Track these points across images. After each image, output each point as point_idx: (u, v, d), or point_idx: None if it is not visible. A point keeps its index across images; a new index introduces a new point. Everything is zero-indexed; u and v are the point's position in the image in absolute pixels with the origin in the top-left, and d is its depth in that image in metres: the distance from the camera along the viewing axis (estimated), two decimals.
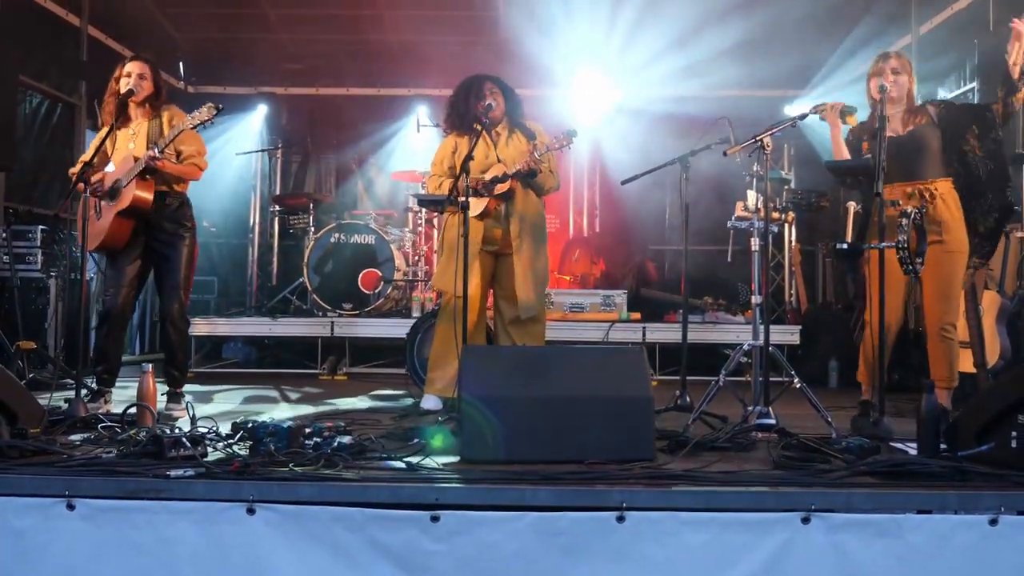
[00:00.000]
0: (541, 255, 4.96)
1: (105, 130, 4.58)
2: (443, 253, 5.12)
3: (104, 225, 4.59)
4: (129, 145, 4.67)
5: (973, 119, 4.35)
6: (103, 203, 4.64)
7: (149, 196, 4.58)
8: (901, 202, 4.13)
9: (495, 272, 5.00)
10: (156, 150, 4.47)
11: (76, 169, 4.69)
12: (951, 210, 4.32)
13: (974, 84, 6.13)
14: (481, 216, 4.81)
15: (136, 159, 4.53)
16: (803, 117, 4.43)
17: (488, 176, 4.81)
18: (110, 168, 4.68)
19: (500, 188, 4.80)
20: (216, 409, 4.81)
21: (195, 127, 4.47)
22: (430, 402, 4.91)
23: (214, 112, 4.41)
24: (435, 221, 7.76)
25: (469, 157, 4.39)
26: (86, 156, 4.72)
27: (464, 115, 4.94)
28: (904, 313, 4.56)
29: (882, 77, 4.35)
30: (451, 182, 4.74)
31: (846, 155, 4.41)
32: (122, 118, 4.65)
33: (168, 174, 4.62)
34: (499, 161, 4.87)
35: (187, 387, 4.98)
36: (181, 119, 4.62)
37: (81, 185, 4.39)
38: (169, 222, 4.70)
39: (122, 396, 4.77)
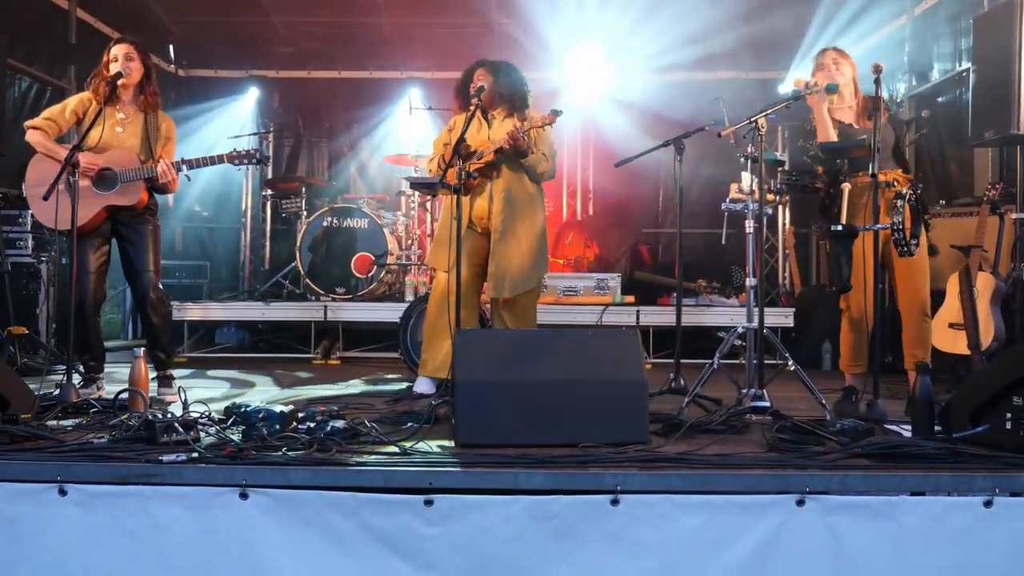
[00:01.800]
0: (529, 238, 4.88)
1: (96, 111, 4.49)
2: (437, 233, 5.11)
3: (84, 212, 4.45)
4: (117, 129, 4.58)
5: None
6: (82, 185, 4.50)
7: (148, 197, 4.66)
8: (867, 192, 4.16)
9: (487, 254, 4.97)
10: (187, 170, 4.57)
11: (38, 123, 4.56)
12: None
13: (968, 64, 6.10)
14: (465, 191, 4.79)
15: (141, 158, 4.55)
16: (797, 98, 4.41)
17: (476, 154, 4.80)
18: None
19: (477, 164, 4.76)
20: (209, 394, 4.79)
21: (236, 165, 4.81)
22: (423, 385, 4.89)
23: (254, 161, 4.81)
24: (428, 204, 7.73)
25: (461, 139, 4.37)
26: (56, 116, 4.58)
27: (466, 98, 4.95)
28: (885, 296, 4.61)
29: (823, 71, 4.44)
30: (440, 159, 4.75)
31: (832, 134, 4.40)
32: (111, 101, 4.55)
33: (168, 186, 4.63)
34: (491, 142, 4.85)
35: (180, 372, 4.97)
36: (174, 132, 4.77)
37: (70, 167, 4.30)
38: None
39: (114, 381, 4.76)
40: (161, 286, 4.75)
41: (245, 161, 4.74)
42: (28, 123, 4.61)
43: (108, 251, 4.69)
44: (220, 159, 4.68)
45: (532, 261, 4.89)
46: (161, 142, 4.66)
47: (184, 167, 4.57)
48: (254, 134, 9.02)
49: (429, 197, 7.44)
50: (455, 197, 4.40)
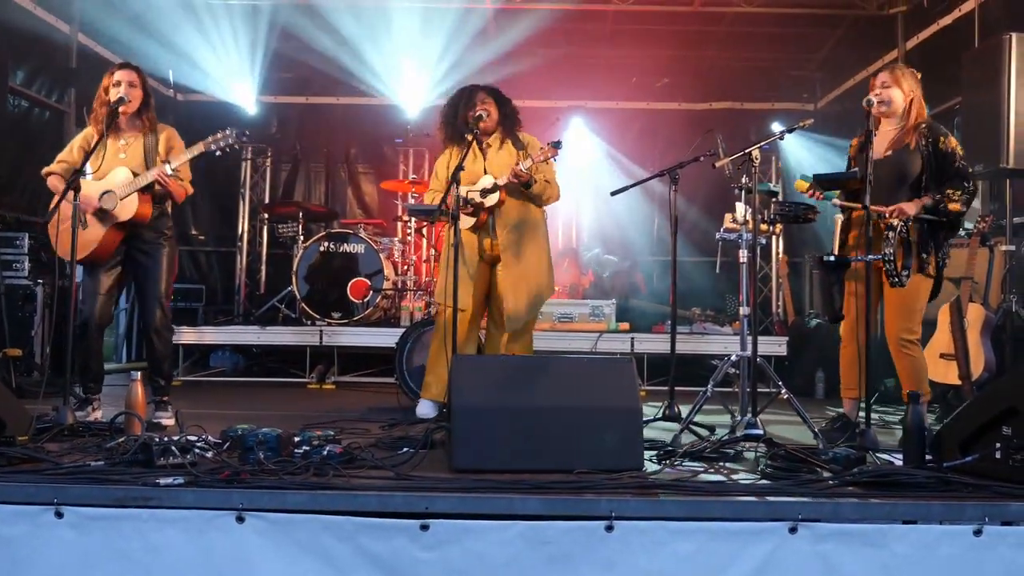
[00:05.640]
0: (534, 265, 4.91)
1: (96, 139, 4.52)
2: (441, 264, 5.10)
3: (94, 236, 4.50)
4: (120, 155, 4.61)
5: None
6: (88, 214, 4.56)
7: (149, 210, 4.58)
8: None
9: (490, 283, 4.99)
10: (169, 168, 4.48)
11: (53, 168, 4.61)
12: (914, 232, 4.23)
13: (958, 99, 6.19)
14: (475, 228, 4.83)
15: (136, 174, 4.50)
16: (791, 131, 4.47)
17: (477, 187, 4.82)
18: (89, 178, 4.57)
19: (490, 200, 4.80)
20: (205, 418, 4.79)
21: (216, 151, 4.54)
22: (425, 407, 4.90)
23: (235, 140, 4.53)
24: (424, 231, 7.77)
25: (459, 168, 4.40)
26: (66, 156, 4.63)
27: (455, 126, 4.95)
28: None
29: (871, 92, 4.36)
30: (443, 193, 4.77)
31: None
32: (112, 128, 4.56)
33: (170, 192, 4.58)
34: (486, 172, 4.88)
35: (175, 396, 4.96)
36: (176, 139, 4.68)
37: (71, 193, 4.32)
38: (150, 231, 4.65)
39: (110, 404, 4.75)
40: (169, 313, 4.76)
41: (223, 142, 4.55)
42: (45, 170, 4.67)
43: (120, 274, 4.69)
44: (199, 148, 4.55)
45: (540, 290, 4.94)
46: (163, 152, 4.63)
47: (167, 167, 4.49)
48: (250, 158, 9.09)
49: (426, 223, 7.49)
50: (454, 226, 4.44)
